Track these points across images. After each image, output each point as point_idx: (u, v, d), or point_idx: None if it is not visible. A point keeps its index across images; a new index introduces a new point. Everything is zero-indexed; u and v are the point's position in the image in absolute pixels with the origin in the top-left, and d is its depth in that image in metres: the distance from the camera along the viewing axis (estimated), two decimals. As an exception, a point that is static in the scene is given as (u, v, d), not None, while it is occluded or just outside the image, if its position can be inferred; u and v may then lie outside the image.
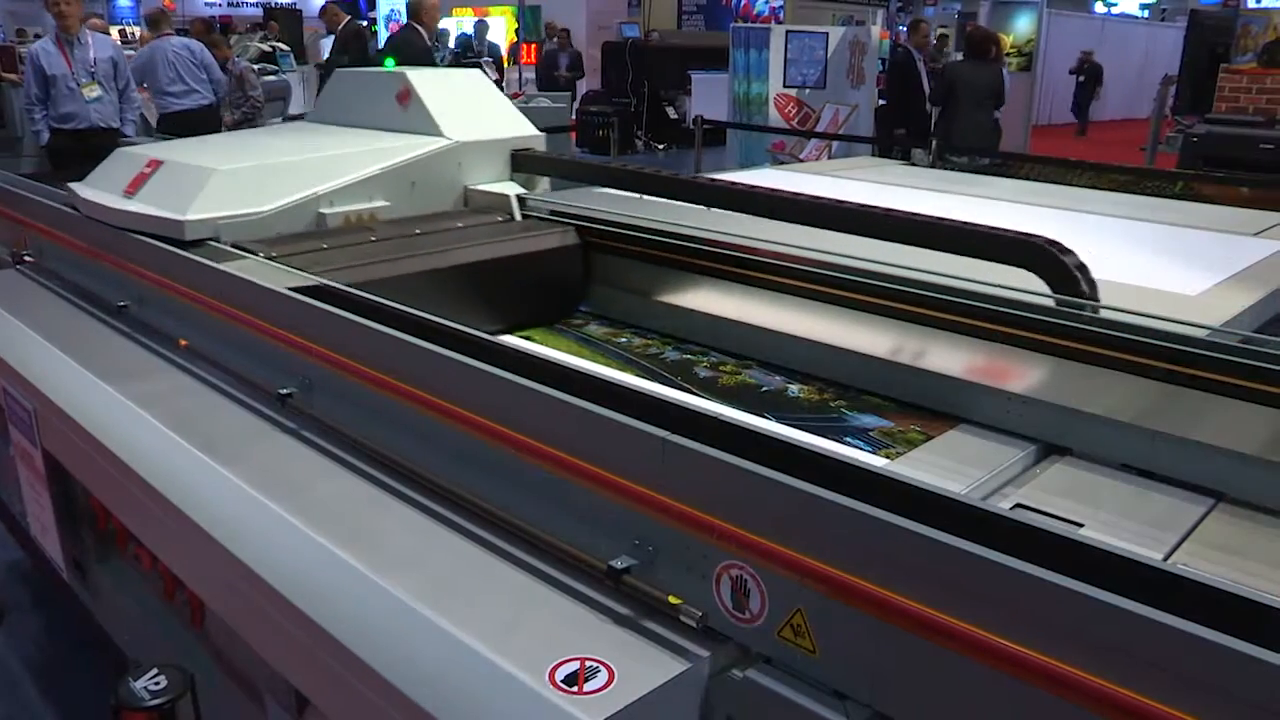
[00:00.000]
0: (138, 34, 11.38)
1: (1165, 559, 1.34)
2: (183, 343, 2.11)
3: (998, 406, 1.77)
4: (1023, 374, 1.75)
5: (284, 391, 1.74)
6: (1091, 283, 1.74)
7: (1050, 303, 1.74)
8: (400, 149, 2.57)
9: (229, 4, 21.17)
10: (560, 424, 1.27)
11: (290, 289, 1.82)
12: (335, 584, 1.33)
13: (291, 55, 11.17)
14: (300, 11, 16.75)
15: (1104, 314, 1.68)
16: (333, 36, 9.97)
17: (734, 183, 2.41)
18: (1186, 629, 0.80)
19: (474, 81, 2.93)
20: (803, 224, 2.16)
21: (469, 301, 2.36)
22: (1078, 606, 0.85)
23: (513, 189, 2.70)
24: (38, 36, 8.10)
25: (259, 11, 17.86)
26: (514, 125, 2.85)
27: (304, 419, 1.74)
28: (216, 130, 7.78)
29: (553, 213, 2.68)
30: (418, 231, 2.43)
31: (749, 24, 11.52)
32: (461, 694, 1.12)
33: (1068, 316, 1.71)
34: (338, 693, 1.27)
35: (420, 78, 2.80)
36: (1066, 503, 1.51)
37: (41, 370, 2.21)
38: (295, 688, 1.45)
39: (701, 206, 2.52)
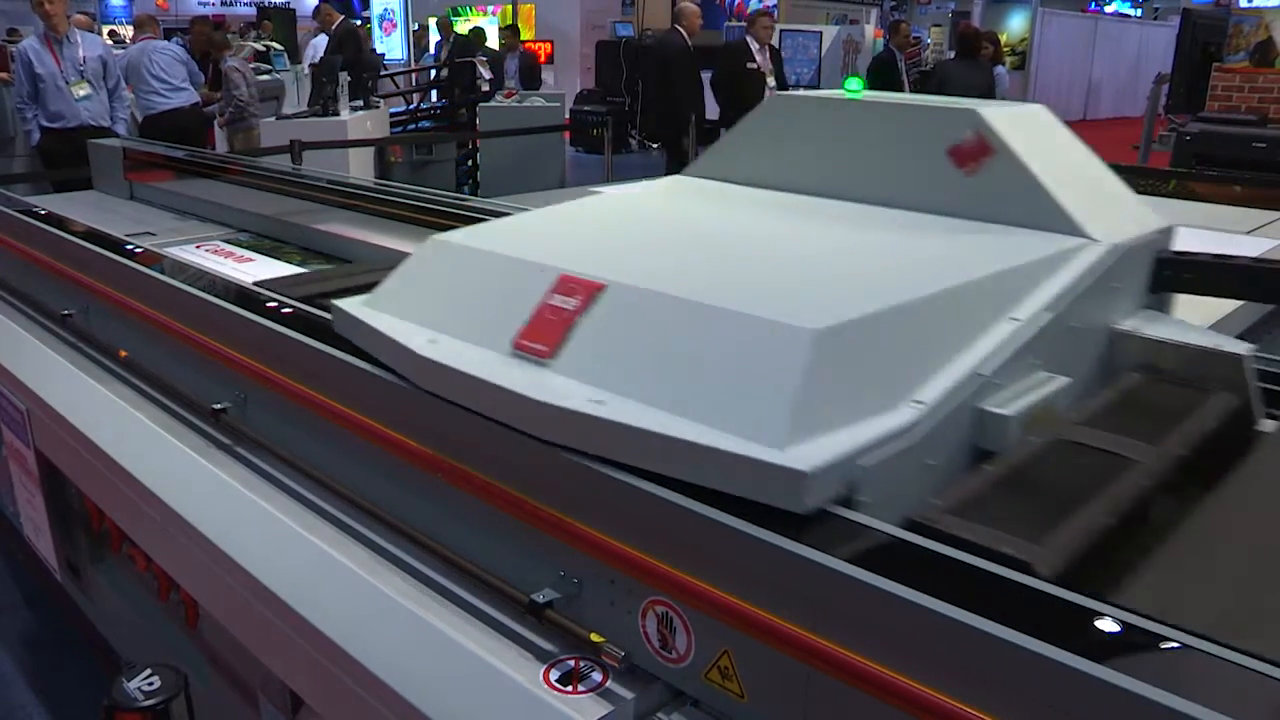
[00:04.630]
0: (129, 34, 11.34)
1: None
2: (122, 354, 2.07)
3: None
4: None
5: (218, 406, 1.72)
6: None
7: None
8: (1037, 266, 1.31)
9: (222, 3, 21.10)
10: (476, 441, 1.21)
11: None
12: (329, 584, 1.33)
13: (285, 54, 11.11)
14: (294, 10, 16.68)
15: None
16: (322, 37, 9.95)
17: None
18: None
19: (1050, 126, 1.64)
20: None
21: None
22: (1014, 657, 0.78)
23: (1223, 341, 1.43)
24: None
25: (252, 10, 17.81)
26: (1134, 207, 1.61)
27: (238, 436, 1.72)
28: (202, 131, 7.76)
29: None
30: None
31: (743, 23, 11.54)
32: (455, 694, 1.12)
33: None
34: (332, 693, 1.27)
35: (1002, 118, 1.50)
36: None
37: (35, 371, 2.21)
38: (290, 688, 1.45)
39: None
